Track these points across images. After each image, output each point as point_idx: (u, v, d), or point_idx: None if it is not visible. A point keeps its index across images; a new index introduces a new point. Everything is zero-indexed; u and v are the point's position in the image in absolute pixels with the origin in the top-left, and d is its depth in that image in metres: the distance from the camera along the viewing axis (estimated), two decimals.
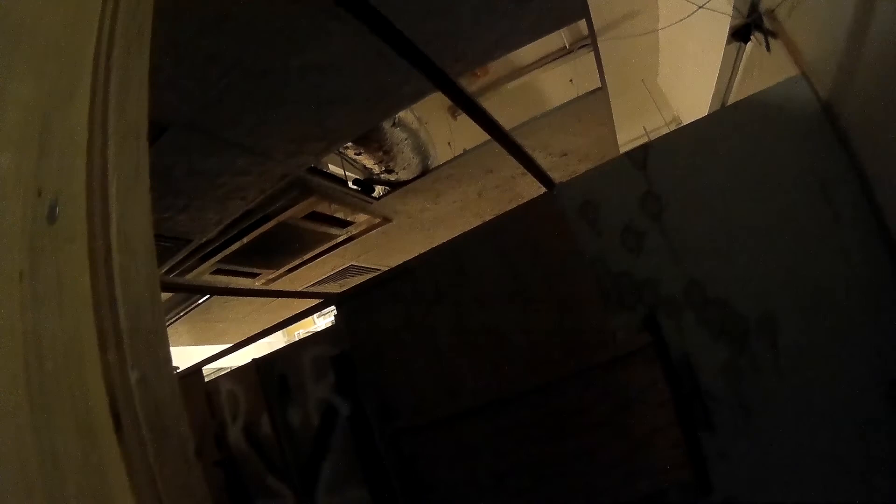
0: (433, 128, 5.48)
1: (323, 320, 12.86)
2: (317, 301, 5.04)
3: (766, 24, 3.68)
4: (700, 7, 4.18)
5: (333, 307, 4.54)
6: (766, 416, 3.21)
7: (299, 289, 6.56)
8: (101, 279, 0.79)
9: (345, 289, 4.47)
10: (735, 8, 3.83)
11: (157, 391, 0.80)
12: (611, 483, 3.49)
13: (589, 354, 3.52)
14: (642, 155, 3.46)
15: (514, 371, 3.74)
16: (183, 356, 7.35)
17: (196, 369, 5.40)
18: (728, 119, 3.41)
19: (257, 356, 4.93)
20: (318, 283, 7.14)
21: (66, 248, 0.84)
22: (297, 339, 5.92)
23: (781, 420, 3.18)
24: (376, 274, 4.66)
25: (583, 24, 4.00)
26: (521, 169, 3.80)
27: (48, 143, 0.94)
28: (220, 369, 5.83)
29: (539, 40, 3.78)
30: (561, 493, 3.62)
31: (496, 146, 3.34)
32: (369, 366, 4.28)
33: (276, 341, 10.38)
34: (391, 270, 4.25)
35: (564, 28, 4.10)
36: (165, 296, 6.11)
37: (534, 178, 3.70)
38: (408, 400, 4.11)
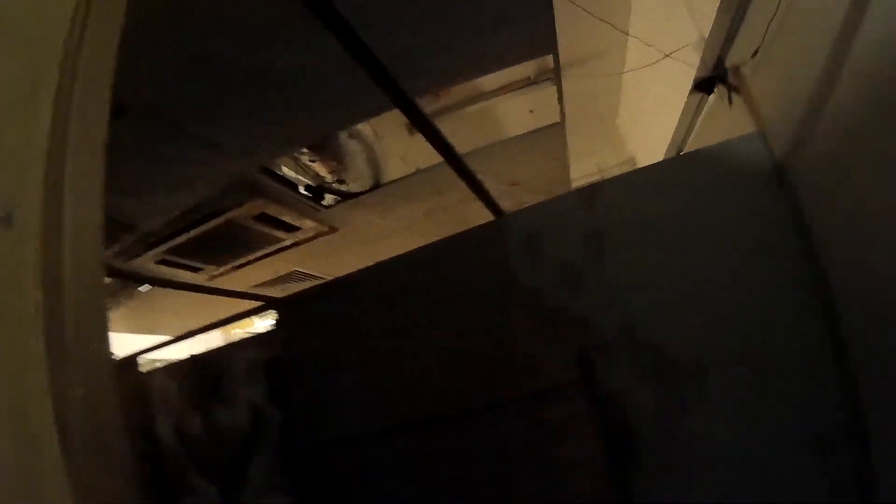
0: (389, 143, 5.50)
1: (262, 323, 12.68)
2: (258, 303, 5.01)
3: (731, 78, 3.78)
4: (667, 56, 4.30)
5: (273, 311, 4.53)
6: (693, 458, 3.27)
7: (242, 289, 6.49)
8: (50, 293, 0.80)
9: (286, 294, 4.46)
10: (702, 60, 3.92)
11: (99, 407, 0.81)
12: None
13: (518, 384, 3.55)
14: (591, 194, 3.53)
15: (445, 395, 3.76)
16: (118, 344, 7.21)
17: (131, 359, 5.32)
18: (682, 167, 3.50)
19: (194, 352, 4.88)
20: (261, 284, 7.07)
21: (18, 253, 0.85)
22: (235, 339, 5.85)
23: (708, 463, 3.25)
24: (319, 283, 4.66)
25: (549, 57, 4.07)
26: (471, 194, 3.84)
27: (6, 145, 0.94)
28: (154, 361, 5.73)
29: (504, 69, 3.85)
30: None
31: (448, 168, 3.38)
32: (303, 374, 4.26)
33: (213, 339, 10.24)
34: (333, 281, 4.25)
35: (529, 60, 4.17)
36: (106, 280, 6.00)
37: (482, 205, 3.75)
38: (337, 413, 4.09)
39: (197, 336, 5.36)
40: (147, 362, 5.59)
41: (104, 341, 0.88)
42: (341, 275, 4.20)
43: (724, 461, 3.19)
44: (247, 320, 6.16)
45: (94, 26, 0.96)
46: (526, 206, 3.73)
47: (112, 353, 0.91)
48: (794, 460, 3.12)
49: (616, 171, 6.50)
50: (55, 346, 0.81)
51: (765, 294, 3.23)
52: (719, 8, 3.33)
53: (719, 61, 3.86)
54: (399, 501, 3.86)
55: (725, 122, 3.94)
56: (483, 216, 3.90)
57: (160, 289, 6.36)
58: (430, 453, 3.78)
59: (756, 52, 3.28)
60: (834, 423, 3.11)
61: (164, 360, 5.43)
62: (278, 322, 4.49)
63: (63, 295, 0.82)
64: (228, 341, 5.01)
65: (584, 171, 7.93)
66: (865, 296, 2.95)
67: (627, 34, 5.44)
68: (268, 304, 4.72)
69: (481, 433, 3.63)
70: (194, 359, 4.84)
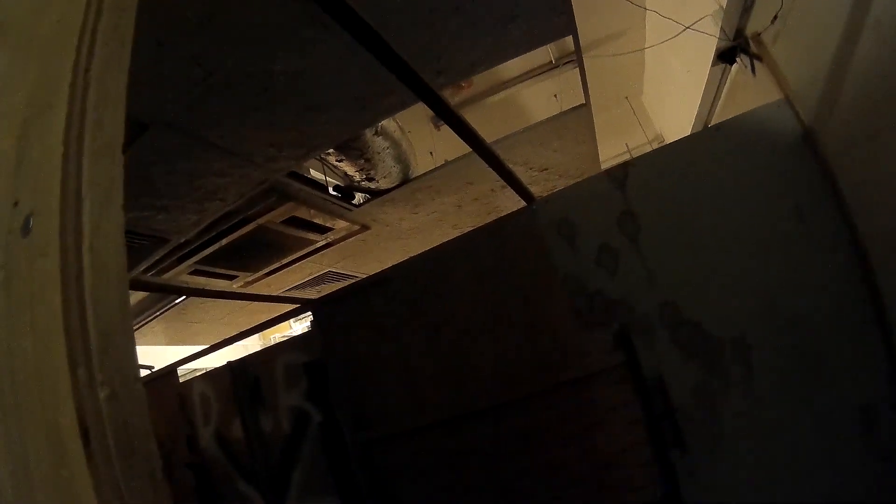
0: (415, 137, 5.49)
1: (299, 325, 12.77)
2: (293, 306, 5.02)
3: (752, 47, 3.72)
4: (687, 28, 4.23)
5: (309, 313, 4.53)
6: (737, 436, 3.24)
7: (276, 293, 6.53)
8: (72, 297, 0.80)
9: (322, 295, 4.46)
10: (722, 30, 3.87)
11: (125, 409, 0.80)
12: (579, 500, 3.51)
13: (560, 372, 3.53)
14: (622, 174, 3.48)
15: (485, 386, 3.75)
16: (158, 356, 7.30)
17: (170, 370, 5.36)
18: (710, 140, 3.44)
19: (232, 359, 4.90)
20: (296, 287, 7.11)
21: (38, 262, 0.84)
22: (272, 343, 5.88)
23: (753, 441, 3.20)
24: (353, 281, 4.65)
25: (569, 40, 4.01)
26: (501, 182, 3.80)
27: (26, 151, 0.94)
28: (195, 370, 5.79)
29: (524, 55, 3.80)
30: None
31: (477, 159, 3.35)
32: (342, 374, 4.27)
33: (251, 344, 10.32)
34: (367, 279, 4.24)
35: (550, 44, 4.11)
36: (142, 294, 6.07)
37: (513, 192, 3.71)
38: (380, 410, 4.10)
39: (235, 343, 5.39)
40: (187, 372, 5.63)
41: (129, 343, 0.87)
42: (373, 272, 4.19)
43: (770, 438, 3.14)
44: (283, 324, 6.18)
45: (106, 32, 0.94)
46: (557, 190, 3.69)
47: (136, 354, 0.91)
48: (842, 434, 3.07)
49: (645, 150, 6.45)
50: (78, 348, 0.80)
51: (802, 263, 3.17)
52: None
53: (739, 30, 3.80)
54: (445, 495, 3.86)
55: (751, 92, 3.89)
56: (515, 203, 3.87)
57: (196, 299, 6.41)
58: (473, 446, 3.78)
59: (775, 18, 3.22)
60: (879, 393, 3.04)
61: (204, 369, 5.47)
62: (314, 323, 4.49)
63: (84, 297, 0.82)
64: (266, 346, 5.02)
65: (612, 151, 7.87)
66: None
67: (646, 9, 5.37)
68: (303, 306, 4.73)
69: (524, 423, 3.62)
70: (232, 365, 4.86)
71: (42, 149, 0.90)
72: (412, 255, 4.04)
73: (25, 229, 0.88)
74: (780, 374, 3.17)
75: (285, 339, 4.99)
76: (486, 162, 3.23)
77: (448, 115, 2.83)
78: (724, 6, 3.67)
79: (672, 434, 3.31)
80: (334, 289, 4.45)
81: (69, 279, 0.81)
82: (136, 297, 6.07)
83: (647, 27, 5.88)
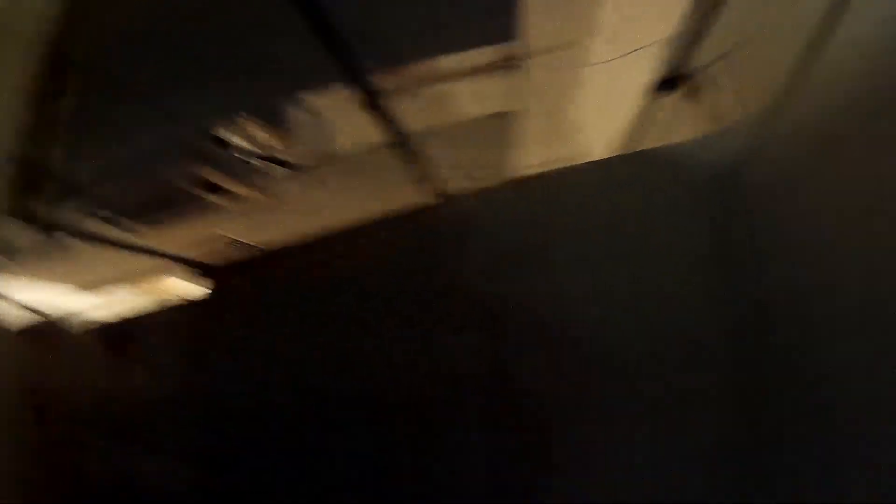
0: (340, 118, 5.36)
1: (188, 286, 12.45)
2: (187, 267, 4.88)
3: (693, 80, 3.75)
4: (631, 52, 4.24)
5: (201, 276, 4.39)
6: (607, 461, 3.25)
7: (173, 250, 6.32)
8: None
9: (218, 260, 4.33)
10: (667, 58, 3.88)
11: None
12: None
13: (441, 373, 3.49)
14: (534, 186, 3.46)
15: (363, 383, 3.68)
16: (40, 293, 7.00)
17: (50, 315, 5.14)
18: (633, 166, 3.46)
19: (116, 310, 4.72)
20: (193, 247, 6.91)
21: None
22: (158, 298, 5.70)
23: (621, 467, 3.22)
24: (252, 251, 4.55)
25: (513, 44, 3.98)
26: (417, 175, 3.75)
27: None
28: (72, 315, 5.55)
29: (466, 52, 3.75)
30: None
31: (396, 148, 3.29)
32: (223, 343, 4.14)
33: (138, 299, 10.04)
34: (266, 252, 4.16)
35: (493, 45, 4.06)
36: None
37: (427, 186, 3.67)
38: (253, 387, 3.97)
39: (119, 293, 5.21)
40: (65, 316, 5.42)
41: None
42: (276, 246, 4.08)
43: (637, 465, 3.16)
44: (173, 282, 6.02)
45: None
46: (471, 191, 3.65)
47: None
48: (705, 470, 3.12)
49: (567, 164, 6.46)
50: None
51: (705, 303, 3.21)
52: (691, 6, 3.27)
53: (683, 61, 3.81)
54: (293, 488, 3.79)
55: (684, 123, 3.91)
56: (424, 199, 3.81)
57: (90, 243, 6.14)
58: (336, 446, 3.71)
59: (723, 56, 3.24)
60: (747, 439, 3.11)
61: (84, 314, 5.25)
62: (205, 287, 4.33)
63: None
64: (152, 302, 4.84)
65: (533, 160, 7.85)
66: (791, 314, 2.95)
67: (595, 27, 5.37)
68: (197, 268, 4.57)
69: (398, 424, 3.57)
70: (113, 318, 4.66)
71: None
72: (314, 236, 3.97)
73: None
74: (659, 408, 3.21)
75: (172, 298, 4.83)
76: (401, 153, 3.17)
77: (372, 100, 2.78)
78: (674, 34, 3.67)
79: (540, 450, 3.31)
80: (232, 256, 4.34)
81: None
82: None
83: (593, 44, 5.89)
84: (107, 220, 5.56)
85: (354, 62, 2.49)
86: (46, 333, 5.09)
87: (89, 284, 7.54)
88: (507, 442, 3.35)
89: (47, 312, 5.22)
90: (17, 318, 5.48)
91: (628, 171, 3.45)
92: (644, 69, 4.17)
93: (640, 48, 4.16)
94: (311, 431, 3.73)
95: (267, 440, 3.87)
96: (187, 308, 4.46)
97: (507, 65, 5.73)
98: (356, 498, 3.62)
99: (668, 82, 4.03)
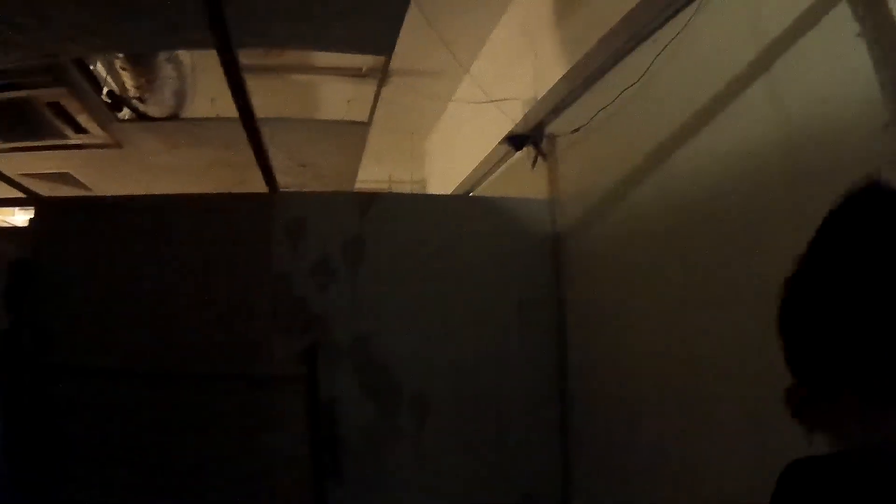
0: (204, 80, 5.17)
1: (23, 215, 11.35)
2: (21, 195, 4.53)
3: (543, 145, 3.94)
4: (493, 101, 4.38)
5: (34, 208, 4.11)
6: (396, 481, 3.37)
7: (10, 174, 5.79)
8: None
9: (53, 195, 4.04)
10: (525, 117, 4.03)
11: None
12: (229, 494, 3.44)
13: (246, 364, 3.48)
14: (368, 202, 3.51)
15: (178, 351, 3.58)
16: None
17: None
18: (469, 208, 3.61)
19: None
20: (30, 176, 6.38)
21: None
22: None
23: (411, 494, 3.34)
24: (87, 194, 4.29)
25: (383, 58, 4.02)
26: (260, 161, 3.70)
27: None
28: None
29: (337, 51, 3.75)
30: (187, 489, 3.49)
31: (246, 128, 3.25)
32: (46, 285, 3.86)
33: None
34: (102, 198, 3.96)
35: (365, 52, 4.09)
36: None
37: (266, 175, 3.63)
38: (71, 337, 3.74)
39: None
40: None
41: None
42: (111, 193, 3.88)
43: (427, 493, 3.25)
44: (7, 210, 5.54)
45: None
46: (305, 190, 3.65)
47: None
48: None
49: (405, 188, 6.55)
50: None
51: (513, 351, 3.39)
52: (562, 77, 3.44)
53: (539, 125, 4.01)
54: (105, 444, 3.61)
55: (523, 181, 4.10)
56: (263, 187, 3.76)
57: None
58: (151, 405, 3.59)
59: (576, 130, 3.44)
60: (544, 487, 3.30)
61: None
62: (35, 221, 4.06)
63: None
64: None
65: (375, 175, 7.89)
66: (585, 379, 3.20)
67: (467, 69, 5.53)
68: (31, 199, 4.25)
69: (202, 400, 3.50)
70: None
71: None
72: (150, 194, 3.79)
73: None
74: (451, 441, 3.33)
75: (5, 227, 4.46)
76: (246, 132, 3.13)
77: (232, 72, 2.72)
78: (539, 98, 3.83)
79: (332, 463, 3.33)
80: (67, 193, 4.06)
81: None
82: None
83: (461, 81, 6.04)
84: None
85: (225, 31, 2.45)
86: None
87: None
88: None
89: None
90: None
91: (462, 212, 3.59)
92: (502, 120, 4.32)
93: (504, 99, 4.30)
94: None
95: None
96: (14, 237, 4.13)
97: (374, 75, 5.78)
98: None
99: (518, 140, 4.21)
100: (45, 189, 6.43)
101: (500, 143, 4.45)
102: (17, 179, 5.59)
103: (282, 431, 3.40)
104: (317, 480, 3.35)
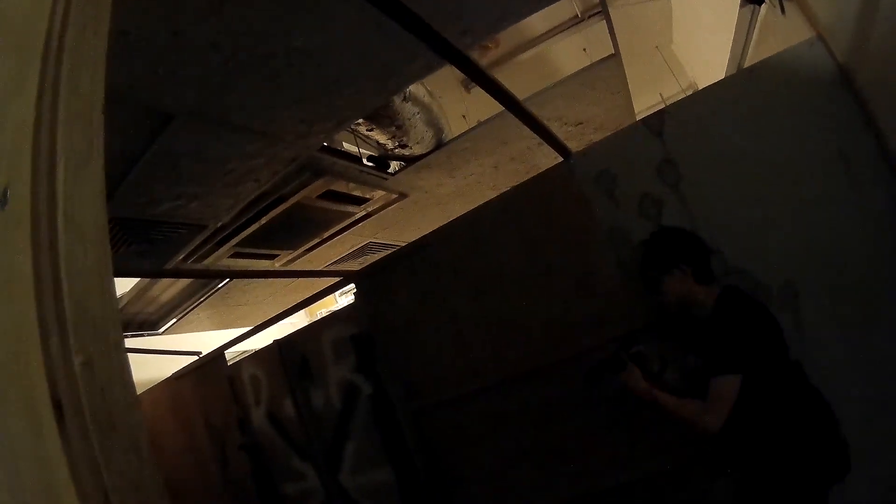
0: (446, 101, 5.39)
1: (344, 299, 12.79)
2: (336, 280, 5.03)
3: None
4: None
5: (353, 285, 4.54)
6: None
7: (318, 268, 6.51)
8: (43, 263, 0.78)
9: (364, 266, 4.44)
10: None
11: (102, 376, 0.77)
12: (637, 453, 3.46)
13: (608, 328, 3.46)
14: (658, 122, 3.40)
15: (534, 346, 3.71)
16: (205, 342, 7.39)
17: (218, 354, 5.43)
18: (744, 83, 3.35)
19: (279, 337, 4.94)
20: (338, 261, 7.08)
21: (13, 232, 0.83)
22: (318, 318, 5.90)
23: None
24: (394, 250, 4.64)
25: None
26: (537, 140, 3.74)
27: (2, 132, 0.92)
28: (244, 352, 5.84)
29: (549, 9, 3.71)
30: (591, 467, 3.60)
31: (510, 117, 3.30)
32: (390, 343, 4.29)
33: (298, 321, 10.40)
34: (408, 246, 4.25)
35: None
36: (185, 282, 6.12)
37: (550, 149, 3.65)
38: (429, 377, 4.11)
39: (281, 321, 5.43)
40: (236, 355, 5.69)
41: (108, 308, 0.83)
42: (416, 239, 4.17)
43: (823, 384, 3.03)
44: (328, 299, 6.18)
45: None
46: (593, 143, 3.62)
47: (119, 321, 0.87)
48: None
49: (679, 98, 6.29)
50: (50, 316, 0.77)
51: (845, 204, 3.06)
52: None
53: None
54: (495, 459, 3.87)
55: (782, 32, 3.77)
56: (552, 160, 3.81)
57: (239, 281, 6.45)
58: (523, 408, 3.76)
59: None
60: None
61: (252, 350, 5.51)
62: (358, 295, 4.50)
63: (59, 263, 0.78)
64: (313, 322, 5.04)
65: (647, 102, 7.70)
66: None
67: None
68: (346, 278, 4.73)
69: (576, 383, 3.52)
70: (280, 343, 4.89)
71: (15, 122, 0.88)
72: (452, 219, 4.02)
73: (3, 202, 0.86)
74: (830, 319, 3.09)
75: (331, 313, 5.00)
76: (520, 119, 3.18)
77: (477, 75, 2.79)
78: None
79: None
80: (376, 259, 4.44)
81: (40, 246, 0.79)
82: (179, 285, 6.14)
83: None
84: (251, 256, 5.82)
85: (446, 43, 2.51)
86: (217, 368, 5.40)
87: (252, 321, 7.92)
88: None
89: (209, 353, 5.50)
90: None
91: (740, 89, 3.34)
92: None
93: None
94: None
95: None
96: (346, 318, 4.65)
97: (591, 14, 5.64)
98: None
99: None
100: (355, 266, 7.09)
101: (740, 7, 4.13)
102: (328, 269, 6.21)
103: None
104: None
